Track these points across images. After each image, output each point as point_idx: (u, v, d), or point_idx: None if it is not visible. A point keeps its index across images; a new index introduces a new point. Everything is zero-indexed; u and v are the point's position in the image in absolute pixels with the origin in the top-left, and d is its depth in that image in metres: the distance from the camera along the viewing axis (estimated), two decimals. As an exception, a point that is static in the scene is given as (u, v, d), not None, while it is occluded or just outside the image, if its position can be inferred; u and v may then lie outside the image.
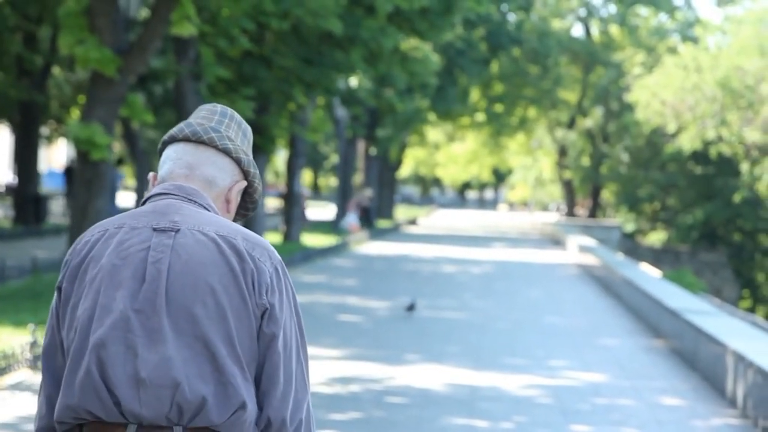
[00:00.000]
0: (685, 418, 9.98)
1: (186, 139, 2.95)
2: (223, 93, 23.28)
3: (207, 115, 3.00)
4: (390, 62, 28.78)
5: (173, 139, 2.97)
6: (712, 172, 51.88)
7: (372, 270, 26.23)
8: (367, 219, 46.31)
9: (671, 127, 44.52)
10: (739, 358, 10.38)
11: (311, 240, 33.70)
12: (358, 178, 52.83)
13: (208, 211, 2.91)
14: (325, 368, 11.62)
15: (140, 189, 33.13)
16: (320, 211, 61.49)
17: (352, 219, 39.44)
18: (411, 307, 16.93)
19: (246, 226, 16.98)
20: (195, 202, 2.90)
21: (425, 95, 44.61)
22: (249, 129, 3.08)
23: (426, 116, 49.92)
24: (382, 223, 50.21)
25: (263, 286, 2.80)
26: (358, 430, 8.82)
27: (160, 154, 3.02)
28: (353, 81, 35.19)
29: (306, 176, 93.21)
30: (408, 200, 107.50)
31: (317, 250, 29.59)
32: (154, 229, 2.82)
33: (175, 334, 2.73)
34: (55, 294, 2.88)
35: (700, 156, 50.21)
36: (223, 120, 2.99)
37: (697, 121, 42.51)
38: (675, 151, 49.85)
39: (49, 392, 2.85)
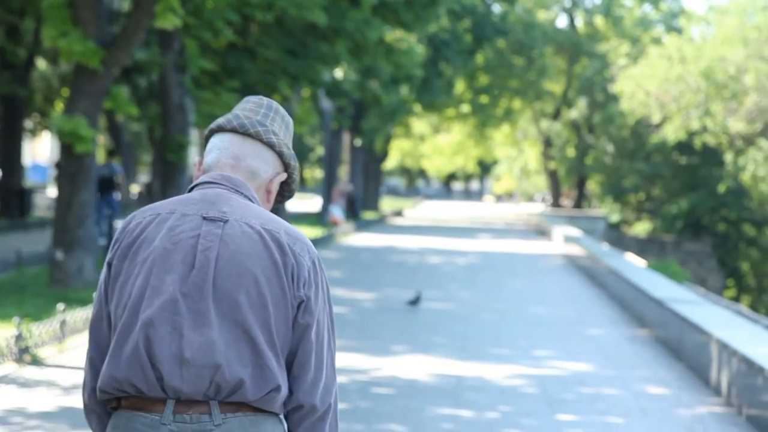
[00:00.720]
0: (670, 406, 10.02)
1: (233, 131, 3.12)
2: (208, 85, 23.25)
3: (254, 108, 3.16)
4: (375, 54, 28.76)
5: (221, 129, 3.14)
6: (697, 163, 52.00)
7: (358, 261, 26.24)
8: (352, 210, 46.30)
9: (656, 118, 44.60)
10: (724, 347, 10.42)
11: (297, 232, 33.65)
12: (343, 170, 52.82)
13: (252, 202, 3.09)
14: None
15: (125, 183, 33.04)
16: (306, 203, 61.43)
17: (335, 211, 39.37)
18: (415, 301, 16.64)
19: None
20: (241, 193, 3.08)
21: (410, 87, 44.60)
22: (291, 122, 3.25)
23: (411, 108, 49.91)
24: (368, 215, 50.20)
25: (302, 279, 3.00)
26: (344, 421, 8.83)
27: (206, 141, 3.18)
28: (338, 73, 35.17)
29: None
30: (393, 192, 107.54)
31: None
32: (204, 218, 3.01)
33: (219, 319, 2.93)
34: (105, 269, 3.06)
35: (684, 146, 50.32)
36: (268, 114, 3.16)
37: (681, 111, 42.60)
38: (659, 142, 49.98)
39: (95, 362, 3.05)
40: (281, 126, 3.19)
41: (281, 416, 3.04)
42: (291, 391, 3.01)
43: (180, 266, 2.96)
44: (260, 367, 2.94)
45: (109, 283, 3.04)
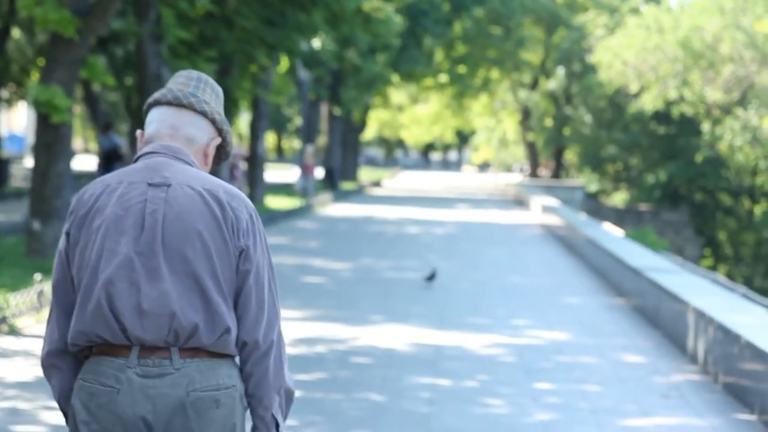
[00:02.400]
0: (647, 374, 10.07)
1: (169, 103, 3.47)
2: (185, 55, 23.11)
3: (185, 82, 3.50)
4: (352, 23, 28.64)
5: (158, 103, 3.49)
6: (674, 132, 52.10)
7: (336, 232, 26.24)
8: (330, 181, 46.26)
9: (633, 88, 44.64)
10: (700, 316, 10.48)
11: (275, 202, 33.66)
12: (321, 140, 52.73)
13: (192, 166, 3.43)
14: (290, 329, 11.63)
15: (101, 152, 32.85)
16: (284, 173, 61.35)
17: (299, 185, 38.99)
18: (431, 277, 16.04)
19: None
20: (180, 159, 3.42)
21: (388, 56, 44.49)
22: (221, 90, 3.58)
23: (389, 78, 49.81)
24: (346, 185, 50.18)
25: (241, 231, 3.35)
26: (323, 390, 8.85)
27: (145, 115, 3.52)
28: (316, 42, 35.03)
29: (269, 139, 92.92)
30: (372, 162, 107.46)
31: (281, 213, 29.57)
32: (149, 184, 3.34)
33: (170, 273, 3.28)
34: (63, 238, 3.39)
35: (662, 116, 50.40)
36: (199, 85, 3.50)
37: (659, 81, 42.65)
38: (637, 112, 50.02)
39: (60, 320, 3.39)
40: (212, 95, 3.52)
41: (236, 359, 3.37)
42: (237, 331, 3.33)
43: (131, 229, 3.30)
44: (211, 312, 3.28)
45: (69, 250, 3.38)
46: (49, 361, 3.43)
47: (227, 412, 3.31)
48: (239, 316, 3.34)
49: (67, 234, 3.39)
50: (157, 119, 3.48)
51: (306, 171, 38.63)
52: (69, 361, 3.41)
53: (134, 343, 3.26)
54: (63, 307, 3.39)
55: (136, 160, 3.45)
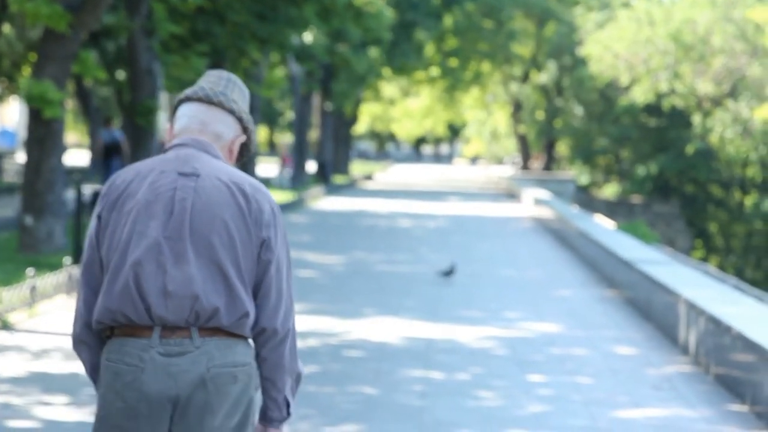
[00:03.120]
0: (639, 366, 10.11)
1: (199, 100, 3.66)
2: (177, 49, 23.12)
3: (216, 80, 3.69)
4: (344, 17, 28.65)
5: (189, 99, 3.68)
6: (665, 125, 52.15)
7: (328, 225, 26.26)
8: (322, 174, 46.26)
9: (624, 80, 44.68)
10: (692, 307, 10.52)
11: (267, 196, 33.61)
12: (313, 134, 52.70)
13: (219, 160, 3.62)
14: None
15: (94, 146, 32.86)
16: (276, 167, 61.33)
17: (278, 178, 38.91)
18: (449, 272, 15.77)
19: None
20: (209, 153, 3.62)
21: (379, 50, 44.48)
22: (247, 90, 3.78)
23: (380, 71, 49.79)
24: (338, 179, 50.17)
25: (263, 223, 3.54)
26: (315, 384, 8.87)
27: (176, 110, 3.71)
28: (307, 36, 35.03)
29: (261, 133, 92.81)
30: (364, 156, 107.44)
31: (273, 207, 29.54)
32: (180, 174, 3.53)
33: (196, 257, 3.46)
34: (95, 221, 3.57)
35: (653, 108, 50.45)
36: (228, 85, 3.69)
37: (650, 74, 42.70)
38: (628, 105, 50.06)
39: (88, 299, 3.56)
40: (240, 95, 3.71)
41: (250, 340, 3.56)
42: (256, 318, 3.53)
43: (161, 214, 3.48)
44: (232, 297, 3.46)
45: (100, 232, 3.55)
46: (80, 338, 3.60)
47: (243, 387, 3.50)
48: (260, 303, 3.53)
49: (99, 217, 3.57)
50: (187, 114, 3.68)
51: (283, 163, 38.66)
52: (97, 337, 3.59)
53: (156, 323, 3.44)
54: (92, 287, 3.57)
55: (165, 151, 3.64)
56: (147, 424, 3.44)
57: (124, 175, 3.59)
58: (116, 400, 3.45)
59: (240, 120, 3.70)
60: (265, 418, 3.61)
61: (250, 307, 3.50)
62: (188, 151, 3.60)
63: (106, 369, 3.49)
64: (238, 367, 3.49)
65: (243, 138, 3.72)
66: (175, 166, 3.56)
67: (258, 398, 3.59)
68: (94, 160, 39.09)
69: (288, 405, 3.61)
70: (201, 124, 3.65)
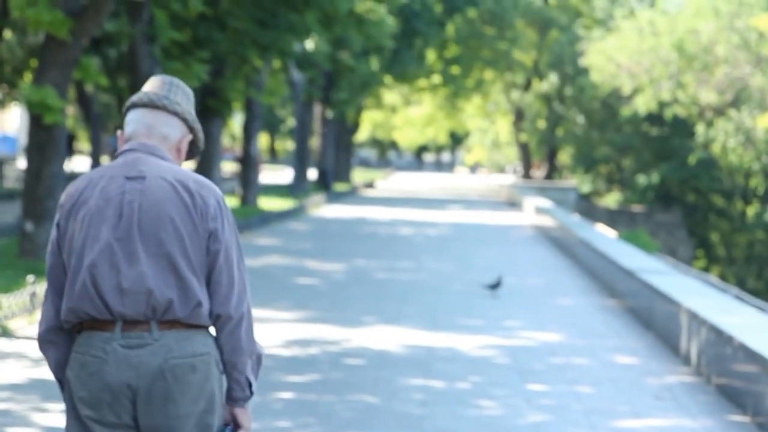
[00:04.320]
0: (640, 375, 10.08)
1: (144, 105, 3.89)
2: (178, 56, 23.10)
3: (159, 85, 3.92)
4: (346, 25, 28.64)
5: (135, 105, 3.91)
6: (668, 134, 52.12)
7: (329, 233, 26.24)
8: (324, 182, 46.25)
9: (626, 90, 44.65)
10: (693, 317, 10.48)
11: (268, 204, 33.64)
12: (315, 141, 52.71)
13: (165, 161, 3.84)
14: (282, 331, 11.63)
15: (95, 152, 32.87)
16: (277, 174, 61.33)
17: None
18: (495, 285, 15.27)
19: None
20: (155, 155, 3.84)
21: (381, 58, 44.49)
22: (191, 92, 4.00)
23: (382, 79, 49.79)
24: (340, 186, 50.17)
25: (209, 216, 3.76)
26: (315, 392, 8.84)
27: (124, 117, 3.94)
28: (309, 44, 35.02)
29: (262, 140, 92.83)
30: (365, 163, 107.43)
31: (274, 214, 29.56)
32: (127, 178, 3.77)
33: (146, 255, 3.70)
34: (54, 229, 3.82)
35: (655, 117, 50.42)
36: (171, 88, 3.92)
37: (653, 83, 42.67)
38: (631, 114, 50.04)
39: (54, 301, 3.82)
40: (183, 97, 3.94)
41: (210, 329, 3.79)
42: (211, 305, 3.76)
43: (112, 218, 3.74)
44: (183, 288, 3.70)
45: (60, 239, 3.82)
46: (46, 338, 3.85)
47: (202, 376, 3.73)
48: (212, 291, 3.76)
49: (58, 225, 3.82)
50: (134, 120, 3.92)
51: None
52: (64, 336, 3.83)
53: (117, 318, 3.69)
54: (56, 289, 3.82)
55: (116, 157, 3.88)
56: (110, 412, 3.70)
57: (77, 183, 3.84)
58: (81, 389, 3.72)
59: (185, 121, 3.92)
60: (231, 398, 3.84)
61: (202, 296, 3.72)
62: (135, 156, 3.84)
63: (74, 360, 3.75)
64: (197, 356, 3.72)
65: (190, 137, 3.95)
66: (122, 171, 3.80)
67: (224, 382, 3.84)
68: (94, 166, 39.02)
69: (250, 385, 3.85)
70: (147, 128, 3.88)
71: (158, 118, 3.89)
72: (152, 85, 3.94)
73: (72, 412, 3.77)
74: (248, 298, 3.83)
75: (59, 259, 3.82)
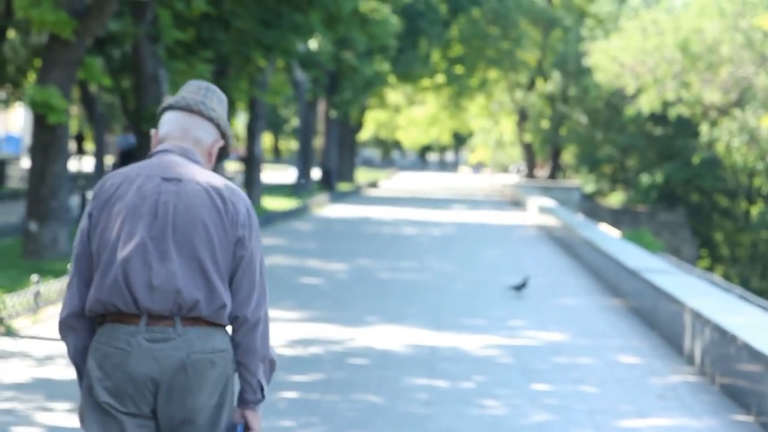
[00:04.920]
0: (643, 375, 10.07)
1: (181, 109, 4.03)
2: (182, 56, 23.12)
3: (195, 90, 4.06)
4: (349, 24, 28.65)
5: (171, 108, 4.05)
6: (672, 133, 52.07)
7: (332, 233, 26.24)
8: (327, 182, 46.26)
9: (630, 90, 44.62)
10: (697, 316, 10.48)
11: (272, 203, 33.65)
12: (318, 141, 52.71)
13: (199, 164, 3.99)
14: (286, 330, 11.63)
15: (99, 153, 32.89)
16: (281, 174, 61.34)
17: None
18: (521, 286, 15.25)
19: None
20: (189, 158, 3.98)
21: (385, 57, 44.49)
22: (225, 97, 4.14)
23: (386, 78, 49.78)
24: (343, 186, 50.17)
25: (238, 223, 3.90)
26: (319, 392, 8.85)
27: (160, 117, 4.08)
28: (313, 43, 35.03)
29: (266, 139, 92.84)
30: (369, 163, 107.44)
31: (278, 214, 29.57)
32: (163, 179, 3.89)
33: (178, 255, 3.84)
34: (86, 219, 3.93)
35: (658, 117, 50.39)
36: (207, 94, 4.06)
37: (657, 83, 42.64)
38: (635, 113, 50.00)
39: (79, 288, 3.93)
40: (218, 103, 4.08)
41: (228, 329, 3.93)
42: (231, 307, 3.90)
43: (147, 216, 3.86)
44: (210, 290, 3.85)
45: (91, 229, 3.92)
46: (67, 323, 3.96)
47: (220, 371, 3.87)
48: (233, 293, 3.90)
49: (90, 215, 3.93)
50: (169, 121, 4.05)
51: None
52: (84, 323, 3.95)
53: (143, 313, 3.82)
54: (83, 278, 3.93)
55: (150, 156, 4.01)
56: (131, 402, 3.82)
57: (113, 178, 3.94)
58: (105, 379, 3.83)
59: (218, 126, 4.07)
60: (242, 400, 3.96)
61: (226, 299, 3.87)
62: (171, 158, 3.97)
63: (96, 350, 3.86)
64: (216, 353, 3.86)
65: (221, 143, 4.09)
66: (159, 171, 3.92)
67: (236, 383, 3.97)
68: (98, 166, 39.02)
69: (262, 388, 3.97)
70: (182, 130, 4.03)
71: (193, 122, 4.04)
72: (189, 90, 4.08)
73: (89, 398, 3.88)
74: (267, 304, 3.97)
75: (88, 249, 3.93)
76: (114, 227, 3.87)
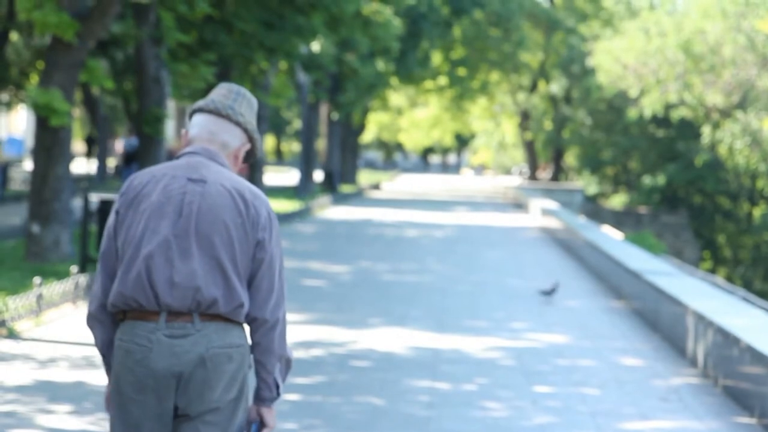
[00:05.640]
0: (646, 377, 10.07)
1: (210, 112, 4.14)
2: (184, 58, 23.12)
3: (226, 94, 4.16)
4: (352, 27, 28.65)
5: (201, 110, 4.16)
6: (674, 135, 52.04)
7: (335, 235, 26.24)
8: (329, 184, 46.25)
9: (633, 92, 44.60)
10: (700, 318, 10.47)
11: (274, 205, 33.65)
12: (321, 143, 52.71)
13: (224, 167, 4.11)
14: (289, 332, 11.62)
15: (101, 155, 32.91)
16: (283, 176, 61.35)
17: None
18: (551, 291, 15.09)
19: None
20: (215, 161, 4.10)
21: (387, 59, 44.49)
22: (255, 102, 4.25)
23: (388, 81, 49.77)
24: (346, 188, 50.17)
25: (259, 226, 4.04)
26: (322, 394, 8.85)
27: (191, 117, 4.20)
28: (315, 45, 35.04)
29: (269, 141, 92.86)
30: (371, 165, 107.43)
31: (280, 215, 29.58)
32: (189, 179, 4.02)
33: (199, 254, 3.97)
34: (113, 215, 4.07)
35: (661, 119, 50.37)
36: (237, 98, 4.16)
37: (659, 84, 42.62)
38: (637, 115, 49.99)
39: (104, 282, 4.06)
40: (247, 108, 4.18)
41: (244, 326, 4.07)
42: (249, 307, 4.03)
43: (171, 215, 3.99)
44: (229, 289, 3.97)
45: (117, 226, 4.06)
46: (95, 316, 4.10)
47: (237, 366, 4.00)
48: (252, 295, 4.02)
49: (117, 212, 4.07)
50: (198, 124, 4.17)
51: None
52: (110, 316, 4.09)
53: (163, 309, 3.94)
54: (107, 272, 4.07)
55: (178, 157, 4.13)
56: (154, 396, 3.95)
57: (140, 177, 4.08)
58: (128, 375, 3.97)
59: (246, 131, 4.17)
60: (258, 397, 4.09)
61: (244, 298, 4.00)
62: (197, 159, 4.09)
63: (118, 348, 4.00)
64: (233, 348, 3.98)
65: (248, 146, 4.20)
66: (185, 172, 4.04)
67: (252, 380, 4.10)
68: (100, 168, 39.11)
69: (278, 386, 4.09)
70: (210, 133, 4.13)
71: (221, 125, 4.14)
72: (219, 93, 4.19)
73: (114, 391, 4.03)
74: (285, 305, 4.09)
75: (114, 244, 4.07)
76: (139, 224, 4.00)
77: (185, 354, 3.94)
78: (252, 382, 4.13)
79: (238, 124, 4.15)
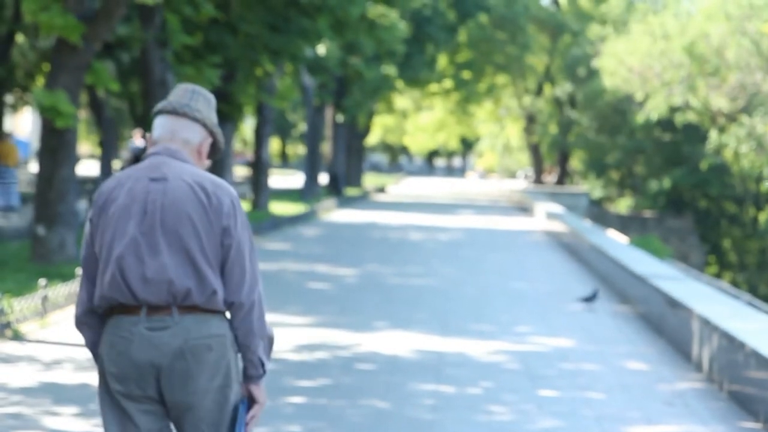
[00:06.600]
0: (651, 382, 10.05)
1: (168, 113, 4.37)
2: (190, 60, 23.13)
3: (182, 93, 4.39)
4: (357, 29, 28.65)
5: (160, 112, 4.39)
6: (679, 139, 52.02)
7: (340, 238, 26.24)
8: (334, 187, 46.25)
9: (638, 96, 44.58)
10: (705, 323, 10.46)
11: (279, 208, 33.66)
12: (326, 146, 52.72)
13: (186, 163, 4.31)
14: (293, 335, 11.63)
15: (106, 157, 32.92)
16: (289, 179, 61.36)
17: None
18: (591, 298, 14.82)
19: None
20: (177, 158, 4.30)
21: (393, 62, 44.50)
22: (212, 97, 4.47)
23: (394, 84, 49.80)
24: (351, 191, 50.17)
25: (223, 213, 4.21)
26: (326, 397, 8.84)
27: (152, 122, 4.40)
28: (320, 48, 35.05)
29: (274, 144, 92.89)
30: (376, 168, 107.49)
31: (285, 218, 29.57)
32: (150, 179, 4.23)
33: (167, 248, 4.16)
34: (88, 224, 4.30)
35: (667, 123, 50.34)
36: (193, 96, 4.38)
37: (664, 87, 42.60)
38: (643, 119, 49.96)
39: (88, 287, 4.30)
40: (204, 104, 4.40)
41: (226, 314, 4.25)
42: (225, 293, 4.21)
43: (137, 214, 4.20)
44: (200, 278, 4.16)
45: (93, 232, 4.28)
46: (82, 320, 4.34)
47: (218, 355, 4.19)
48: (226, 281, 4.21)
49: (91, 220, 4.29)
50: (160, 125, 4.38)
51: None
52: (96, 318, 4.32)
53: (142, 304, 4.15)
54: (89, 277, 4.30)
55: (143, 159, 4.35)
56: (136, 386, 4.17)
57: (108, 183, 4.32)
58: (111, 366, 4.20)
59: (205, 126, 4.38)
60: (246, 376, 4.30)
61: (217, 285, 4.18)
62: (159, 159, 4.30)
63: (104, 341, 4.24)
64: (213, 338, 4.17)
65: (210, 140, 4.41)
66: (147, 173, 4.26)
67: (240, 362, 4.30)
68: (104, 170, 39.07)
69: (263, 364, 4.30)
70: (171, 132, 4.35)
71: (181, 123, 4.35)
72: (176, 94, 4.40)
73: (104, 386, 4.27)
74: (260, 287, 4.26)
75: (92, 250, 4.30)
76: (110, 228, 4.22)
77: (165, 346, 4.13)
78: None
79: (196, 120, 4.36)
